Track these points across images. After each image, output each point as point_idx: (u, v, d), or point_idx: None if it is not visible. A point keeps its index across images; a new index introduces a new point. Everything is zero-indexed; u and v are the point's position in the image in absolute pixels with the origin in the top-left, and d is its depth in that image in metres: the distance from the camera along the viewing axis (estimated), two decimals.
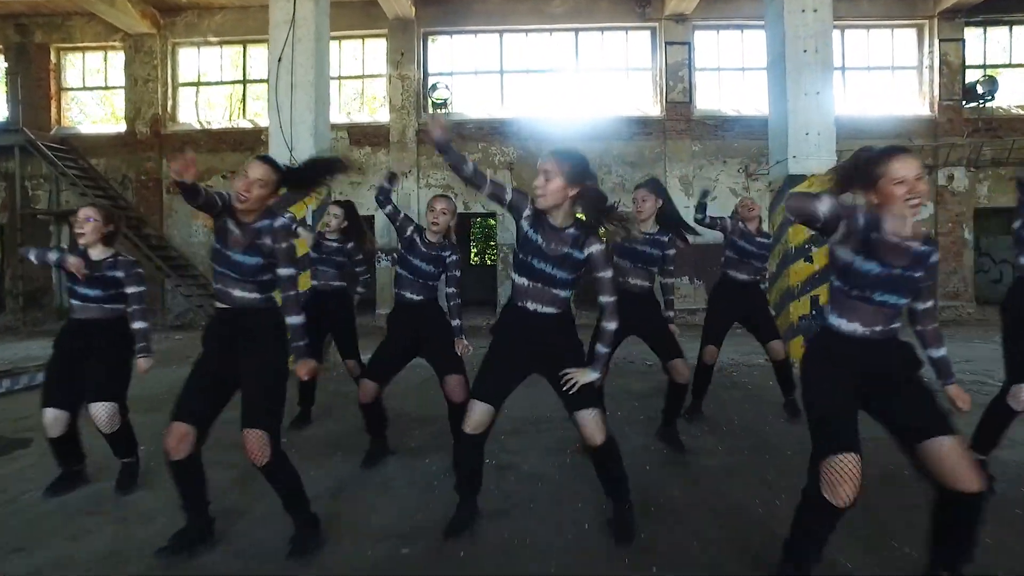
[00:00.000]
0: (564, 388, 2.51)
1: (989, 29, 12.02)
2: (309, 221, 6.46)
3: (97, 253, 3.20)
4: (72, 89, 13.10)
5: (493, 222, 14.46)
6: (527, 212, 2.52)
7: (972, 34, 11.94)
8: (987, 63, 12.06)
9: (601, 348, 2.58)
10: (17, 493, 3.16)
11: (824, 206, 2.01)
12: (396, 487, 3.25)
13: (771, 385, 5.36)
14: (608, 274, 2.52)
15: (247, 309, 2.51)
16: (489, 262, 17.41)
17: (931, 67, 11.89)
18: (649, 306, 3.72)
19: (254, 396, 2.43)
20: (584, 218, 2.52)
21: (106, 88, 13.08)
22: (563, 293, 2.55)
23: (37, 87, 12.54)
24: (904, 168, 1.97)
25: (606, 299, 2.55)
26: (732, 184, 11.86)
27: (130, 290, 3.20)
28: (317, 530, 2.57)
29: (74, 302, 3.18)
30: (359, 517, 2.87)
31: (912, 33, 12.09)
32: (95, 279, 3.14)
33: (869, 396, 2.11)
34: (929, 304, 2.18)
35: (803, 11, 6.36)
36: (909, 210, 1.95)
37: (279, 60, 6.55)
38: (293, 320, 2.54)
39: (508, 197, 2.52)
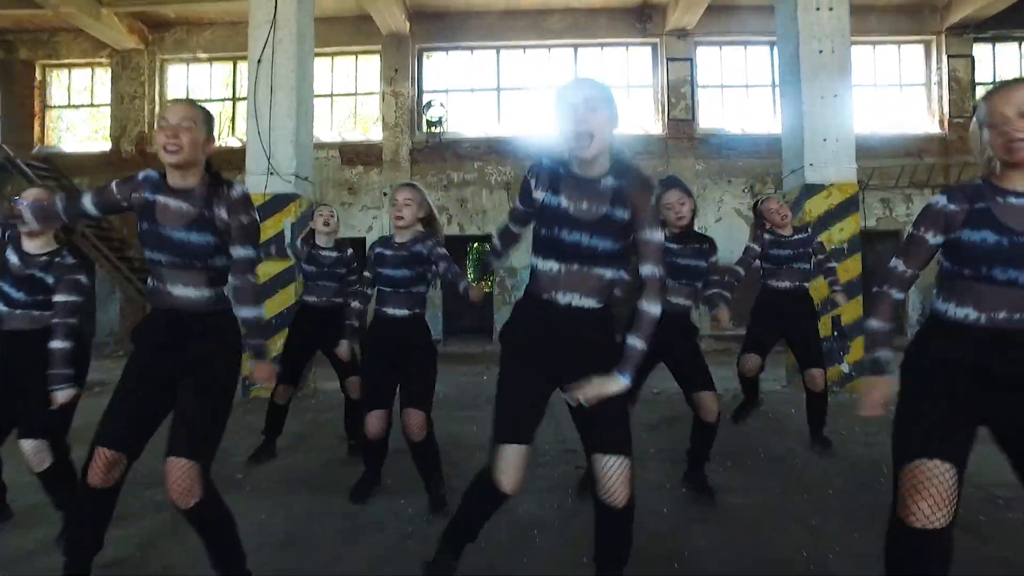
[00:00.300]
0: (586, 409, 1.79)
1: (998, 45, 11.73)
2: (288, 234, 5.97)
3: (34, 247, 2.63)
4: (57, 107, 12.74)
5: (488, 247, 14.02)
6: (533, 182, 1.88)
7: (981, 50, 11.64)
8: (997, 80, 11.74)
9: (637, 343, 1.80)
10: None
11: (933, 235, 1.67)
12: (363, 534, 2.69)
13: (794, 413, 4.83)
14: (659, 236, 1.80)
15: (195, 312, 1.98)
16: (486, 288, 16.91)
17: (940, 83, 11.58)
18: (685, 328, 3.14)
19: (191, 418, 1.91)
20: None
21: (92, 106, 12.72)
22: (609, 274, 1.84)
23: (20, 105, 12.17)
24: (1003, 102, 1.52)
25: (652, 271, 1.81)
26: (737, 205, 11.45)
27: (57, 298, 2.56)
28: None
29: (0, 308, 2.62)
30: (312, 573, 2.31)
31: (920, 49, 11.80)
32: (22, 277, 2.59)
33: (989, 408, 1.56)
34: None
35: (818, 9, 5.98)
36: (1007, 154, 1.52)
37: (258, 62, 6.14)
38: (249, 312, 2.07)
39: (519, 213, 2.01)
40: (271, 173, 6.01)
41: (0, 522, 2.78)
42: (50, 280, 2.59)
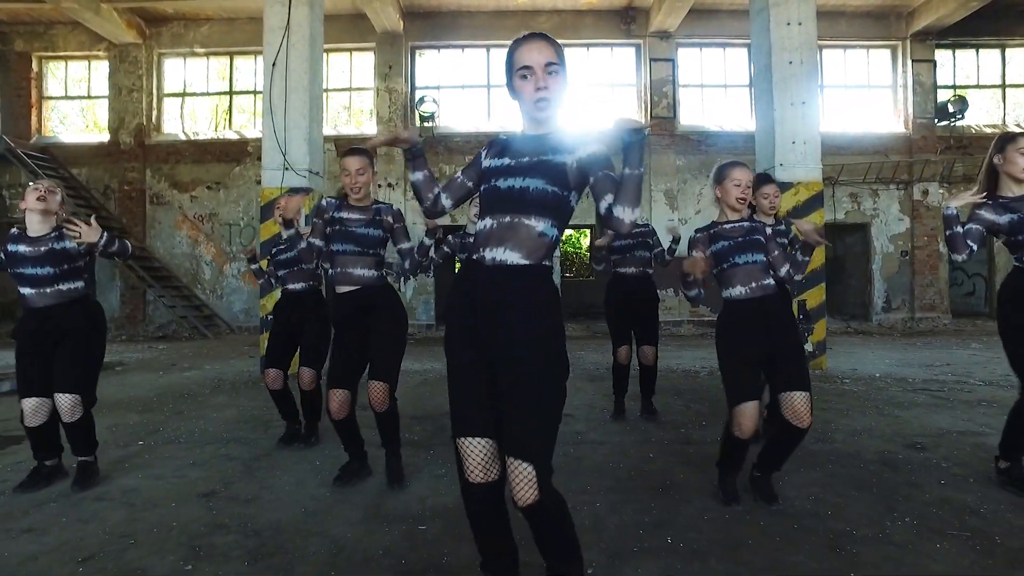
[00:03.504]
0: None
1: (958, 52, 12.48)
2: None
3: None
4: (54, 98, 12.93)
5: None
6: (485, 152, 1.89)
7: (942, 56, 12.38)
8: (957, 84, 12.50)
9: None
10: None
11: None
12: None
13: None
14: (611, 173, 1.69)
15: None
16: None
17: (905, 86, 12.28)
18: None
19: (382, 356, 3.03)
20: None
21: (89, 98, 12.94)
22: (540, 227, 1.70)
23: (17, 96, 12.35)
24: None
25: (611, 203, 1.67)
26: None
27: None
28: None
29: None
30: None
31: (887, 53, 12.50)
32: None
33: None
34: None
35: (788, 24, 6.55)
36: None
37: (272, 65, 6.55)
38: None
39: (455, 182, 1.98)
40: (286, 168, 6.43)
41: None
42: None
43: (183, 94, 12.77)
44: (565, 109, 1.81)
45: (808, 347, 6.48)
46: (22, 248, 2.92)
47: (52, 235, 2.96)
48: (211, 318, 11.86)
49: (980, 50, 12.48)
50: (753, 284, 2.65)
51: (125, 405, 4.89)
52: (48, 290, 2.91)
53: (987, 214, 2.80)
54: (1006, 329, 2.78)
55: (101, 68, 12.64)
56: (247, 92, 12.79)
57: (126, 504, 2.70)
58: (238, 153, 12.30)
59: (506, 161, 1.78)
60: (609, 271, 4.46)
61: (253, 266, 4.02)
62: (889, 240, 12.24)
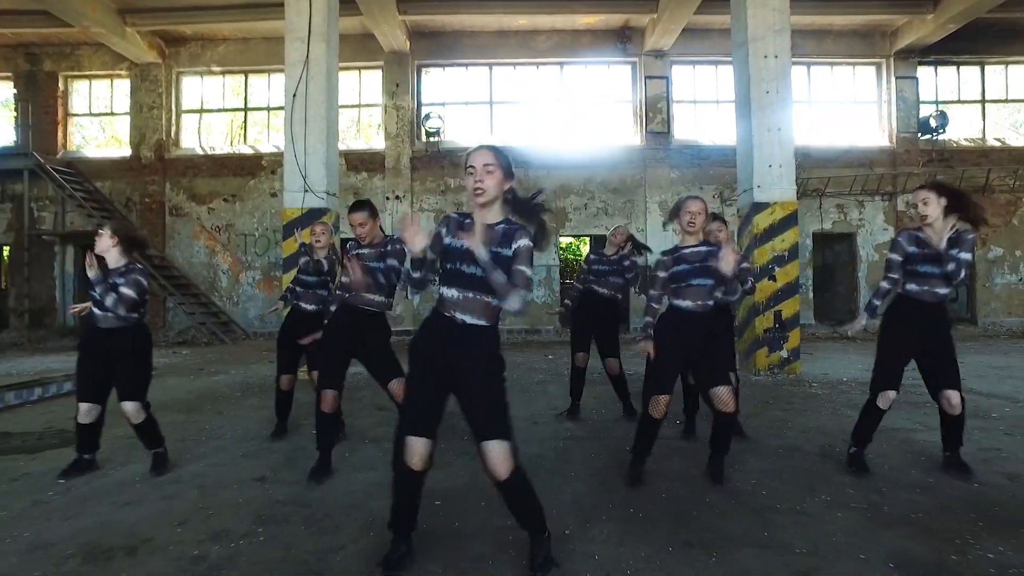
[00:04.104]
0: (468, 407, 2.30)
1: (940, 69, 13.08)
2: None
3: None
4: (78, 115, 13.62)
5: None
6: (444, 230, 2.35)
7: (925, 73, 12.97)
8: (939, 99, 13.09)
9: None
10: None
11: None
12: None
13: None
14: (524, 268, 2.26)
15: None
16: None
17: (889, 102, 12.88)
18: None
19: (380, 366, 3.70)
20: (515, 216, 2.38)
21: (111, 114, 13.63)
22: (495, 301, 2.28)
23: (44, 113, 13.03)
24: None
25: (503, 283, 2.21)
26: (710, 209, 12.63)
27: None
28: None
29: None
30: None
31: (871, 70, 13.10)
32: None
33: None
34: None
35: (765, 57, 7.15)
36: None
37: (293, 96, 7.19)
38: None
39: (426, 259, 2.34)
40: (306, 191, 7.06)
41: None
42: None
43: (200, 110, 13.45)
44: (504, 202, 2.34)
45: (783, 354, 7.08)
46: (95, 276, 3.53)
47: (121, 269, 3.55)
48: (228, 324, 12.50)
49: (961, 67, 13.08)
50: (699, 301, 3.32)
51: (169, 406, 5.52)
52: (109, 314, 3.48)
53: (901, 240, 3.45)
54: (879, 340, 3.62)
55: (123, 86, 13.32)
56: (261, 108, 13.47)
57: (198, 486, 3.33)
58: (253, 167, 12.95)
59: (467, 246, 2.20)
60: (587, 283, 5.03)
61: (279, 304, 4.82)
62: (874, 249, 12.83)
